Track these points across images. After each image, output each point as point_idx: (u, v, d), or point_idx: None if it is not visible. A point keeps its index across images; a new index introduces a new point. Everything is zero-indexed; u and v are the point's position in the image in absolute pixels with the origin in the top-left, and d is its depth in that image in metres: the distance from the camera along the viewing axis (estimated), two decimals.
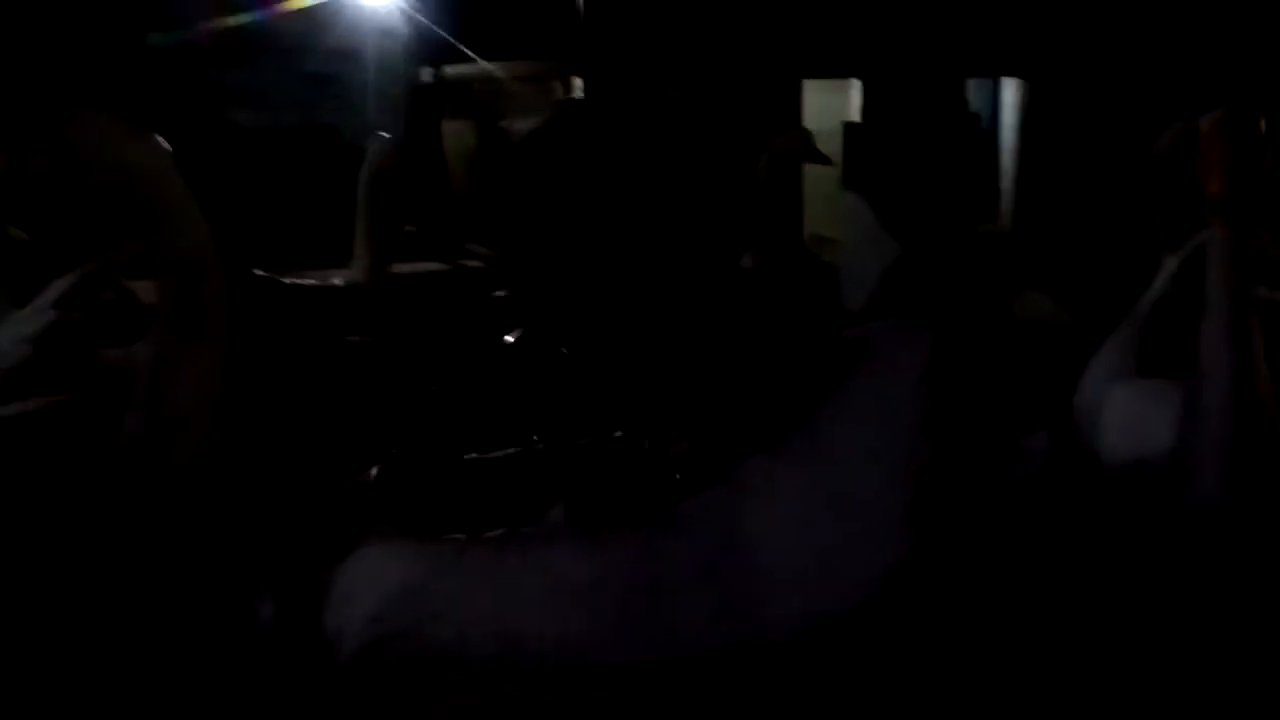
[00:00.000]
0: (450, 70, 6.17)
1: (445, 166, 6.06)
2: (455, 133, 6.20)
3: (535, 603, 0.86)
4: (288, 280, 2.58)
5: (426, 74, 6.16)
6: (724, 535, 0.87)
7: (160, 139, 1.08)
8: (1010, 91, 6.01)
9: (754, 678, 0.84)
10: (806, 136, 2.95)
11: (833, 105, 5.88)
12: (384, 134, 3.00)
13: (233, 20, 5.46)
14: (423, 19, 5.69)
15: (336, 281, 2.72)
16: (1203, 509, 1.03)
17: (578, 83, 5.38)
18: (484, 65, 5.93)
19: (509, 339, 2.00)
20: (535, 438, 1.21)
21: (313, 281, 2.69)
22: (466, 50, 5.71)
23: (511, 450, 1.16)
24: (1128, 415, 1.29)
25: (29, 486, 1.13)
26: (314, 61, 5.77)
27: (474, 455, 1.16)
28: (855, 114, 5.86)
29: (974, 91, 6.16)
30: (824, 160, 3.10)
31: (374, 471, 1.15)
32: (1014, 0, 5.19)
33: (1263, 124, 1.14)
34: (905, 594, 0.85)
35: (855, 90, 5.87)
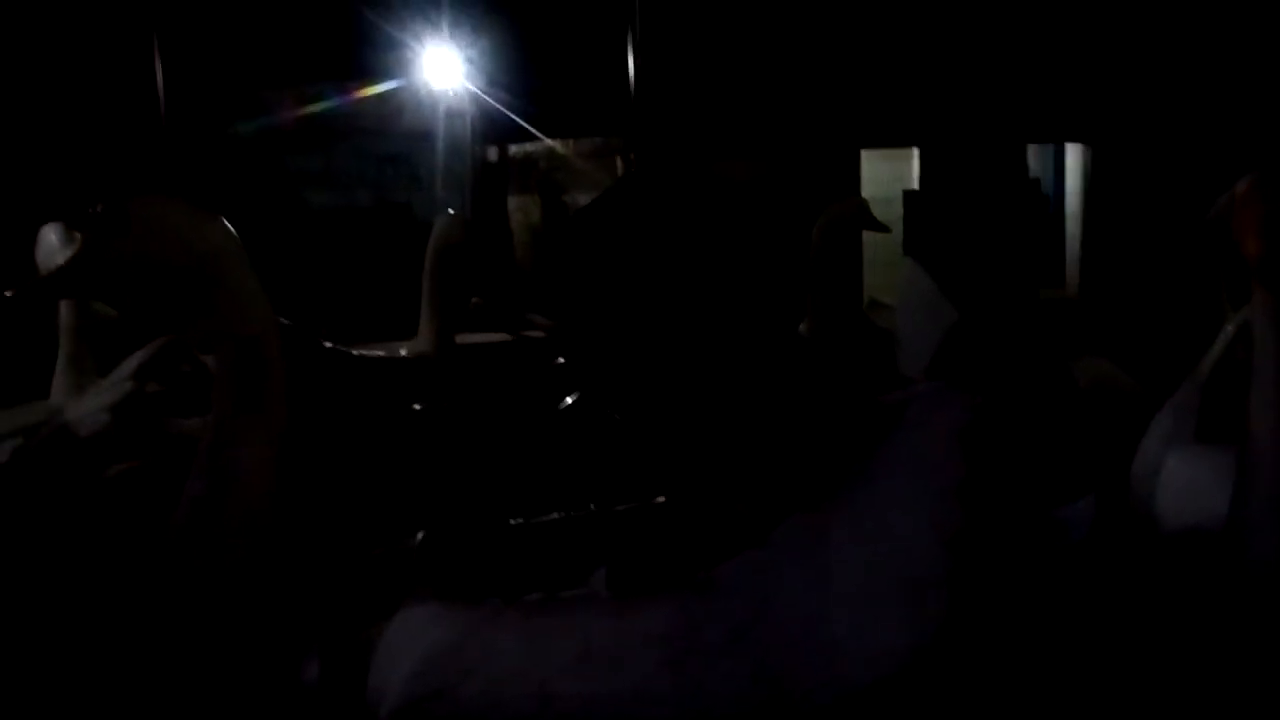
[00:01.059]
0: (515, 148, 6.37)
1: (510, 240, 6.22)
2: (519, 208, 6.38)
3: (568, 664, 0.86)
4: (355, 352, 2.65)
5: (492, 152, 6.37)
6: (757, 600, 0.86)
7: (225, 221, 1.14)
8: (1074, 156, 5.96)
9: None
10: (861, 204, 2.95)
11: (892, 173, 5.90)
12: (450, 210, 3.10)
13: (311, 107, 5.75)
14: (489, 100, 5.91)
15: (403, 352, 2.79)
16: (1258, 577, 0.99)
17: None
18: (547, 142, 6.11)
19: (564, 404, 2.04)
20: (579, 503, 1.22)
21: (380, 353, 2.76)
22: (530, 128, 5.90)
23: (555, 515, 1.17)
24: (1184, 481, 1.26)
25: (104, 549, 1.17)
26: (386, 143, 6.03)
27: (518, 520, 1.18)
28: (915, 181, 5.87)
29: (1037, 156, 6.13)
30: (879, 227, 3.10)
31: (420, 536, 1.17)
32: (1076, 64, 5.19)
33: None
34: (943, 662, 0.83)
35: (915, 157, 5.89)
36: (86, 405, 1.74)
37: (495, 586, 0.98)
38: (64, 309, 2.07)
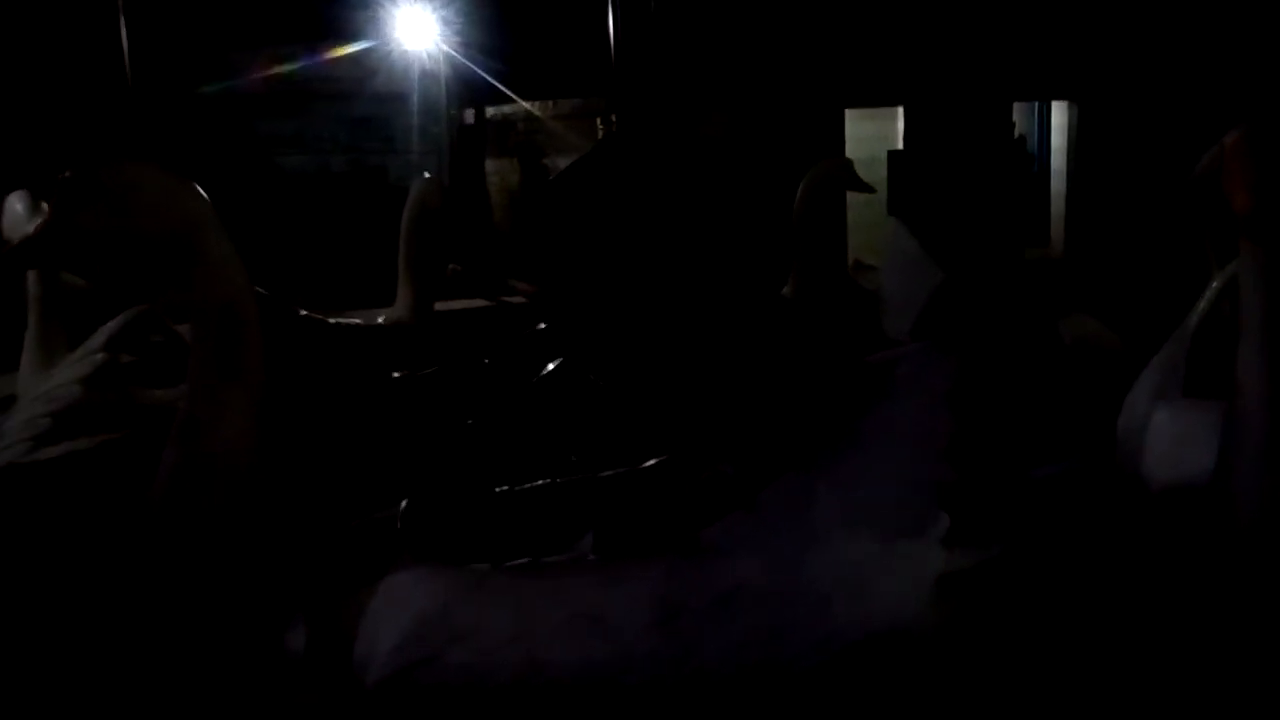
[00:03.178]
0: (492, 111, 6.26)
1: (488, 204, 6.14)
2: (497, 171, 6.28)
3: (556, 629, 0.84)
4: (332, 319, 2.61)
5: (469, 115, 6.26)
6: (745, 562, 0.85)
7: (198, 187, 1.10)
8: (1060, 114, 5.92)
9: (781, 703, 0.81)
10: (845, 164, 2.91)
11: (877, 132, 5.85)
12: (426, 173, 3.03)
13: (282, 68, 5.62)
14: (465, 61, 5.80)
15: (380, 320, 2.74)
16: (1246, 529, 0.98)
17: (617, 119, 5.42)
18: (525, 105, 6.01)
19: (546, 370, 2.00)
20: (564, 469, 1.20)
21: (357, 321, 2.71)
22: (507, 90, 5.79)
23: (540, 482, 1.15)
24: (1170, 436, 1.25)
25: (77, 522, 1.15)
26: (359, 106, 5.91)
27: (503, 487, 1.15)
28: (899, 141, 5.82)
29: (1022, 115, 6.08)
30: (864, 187, 3.05)
31: (403, 504, 1.14)
32: (1061, 21, 5.13)
33: None
34: (936, 617, 0.82)
35: (899, 117, 5.83)
36: (57, 378, 1.69)
37: (481, 553, 0.96)
38: (31, 280, 2.02)
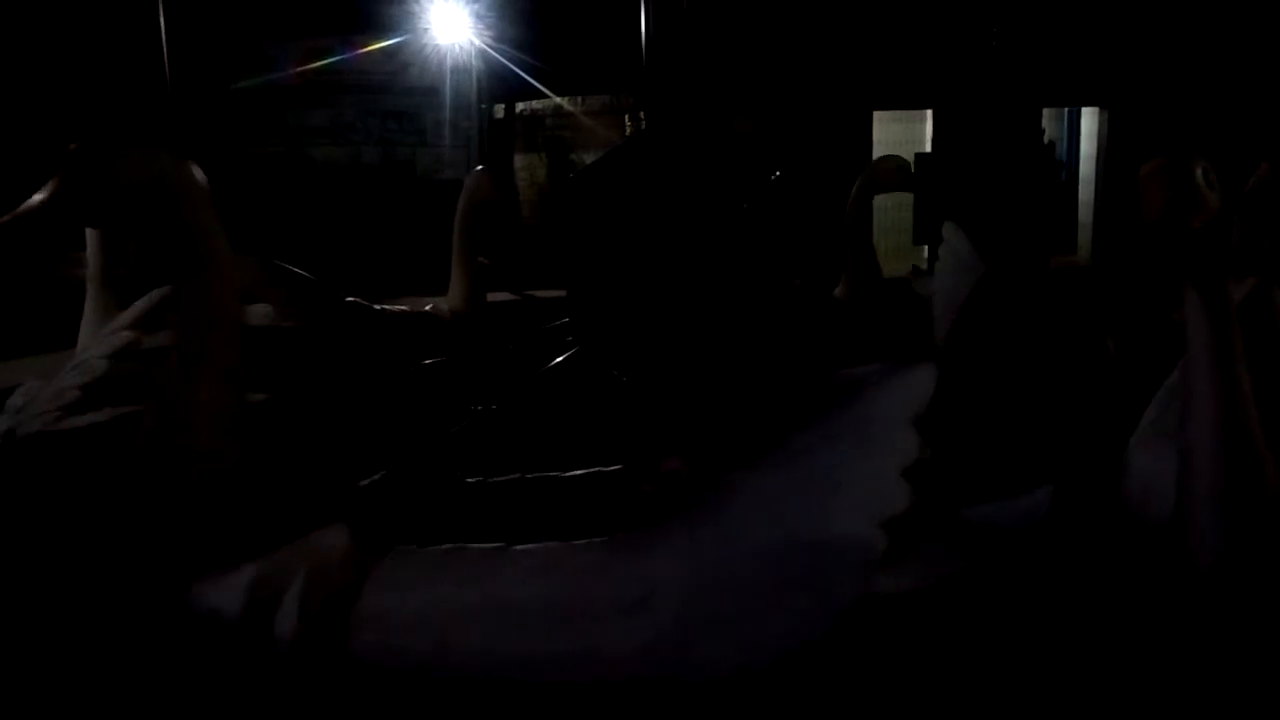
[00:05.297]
0: (522, 105, 6.30)
1: (516, 199, 6.17)
2: (526, 166, 6.32)
3: (469, 615, 0.84)
4: (378, 306, 2.65)
5: (499, 109, 6.31)
6: (666, 564, 0.83)
7: (194, 166, 1.13)
8: (1090, 120, 5.88)
9: (687, 709, 0.80)
10: (901, 165, 2.83)
11: (905, 135, 5.83)
12: (480, 166, 3.05)
13: (316, 62, 5.68)
14: (496, 56, 5.84)
15: (427, 308, 2.77)
16: (1201, 579, 0.95)
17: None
18: (555, 100, 6.04)
19: (558, 361, 2.03)
20: (575, 462, 1.20)
21: (404, 307, 2.75)
22: (538, 85, 5.82)
23: (512, 475, 1.15)
24: (1147, 471, 1.19)
25: (96, 490, 1.18)
26: (392, 99, 5.96)
27: (475, 478, 1.16)
28: (928, 144, 5.80)
29: (1052, 121, 6.05)
30: (919, 188, 3.01)
31: (368, 486, 1.16)
32: (1092, 27, 5.10)
33: (1201, 171, 1.06)
34: (851, 646, 0.79)
35: (928, 120, 5.82)
36: (90, 351, 1.75)
37: (423, 539, 0.96)
38: (90, 257, 2.08)
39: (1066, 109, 6.07)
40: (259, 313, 2.31)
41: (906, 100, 5.62)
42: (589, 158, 5.72)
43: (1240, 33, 4.78)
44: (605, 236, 1.59)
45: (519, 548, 0.88)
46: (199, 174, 1.13)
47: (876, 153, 5.74)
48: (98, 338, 1.83)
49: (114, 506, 1.05)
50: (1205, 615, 0.97)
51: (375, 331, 2.49)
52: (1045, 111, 5.81)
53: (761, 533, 0.81)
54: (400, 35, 5.78)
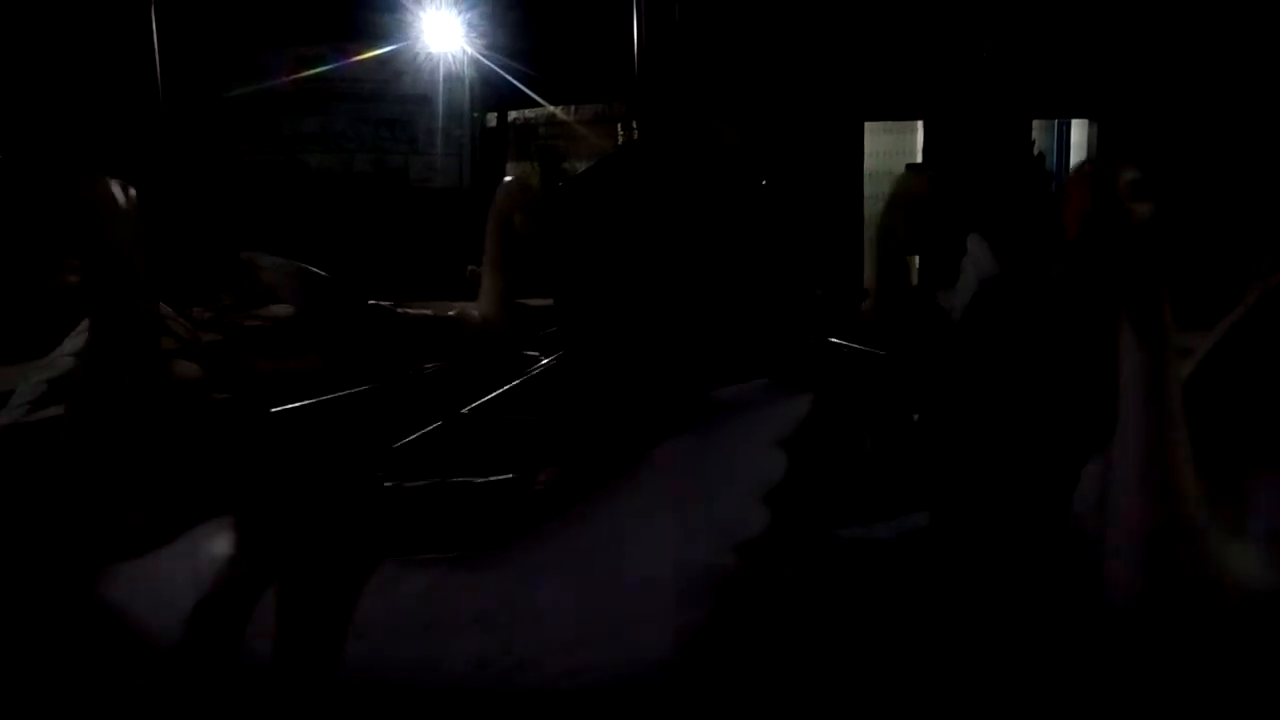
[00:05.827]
0: (514, 114, 6.31)
1: None
2: (518, 175, 6.33)
3: (316, 622, 0.84)
4: (400, 309, 2.68)
5: (491, 118, 6.32)
6: (513, 579, 0.82)
7: (121, 185, 1.18)
8: (1079, 132, 5.92)
9: None
10: (933, 177, 2.78)
11: (895, 146, 5.86)
12: (509, 177, 3.07)
13: (309, 70, 5.69)
14: (489, 64, 5.85)
15: (451, 313, 2.80)
16: (1119, 615, 0.92)
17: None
18: (548, 108, 6.06)
19: (542, 364, 2.05)
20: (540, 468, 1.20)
21: (428, 311, 2.77)
22: (531, 94, 5.84)
23: (427, 481, 1.16)
24: (1092, 496, 1.12)
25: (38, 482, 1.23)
26: (384, 108, 5.97)
27: (390, 482, 1.17)
28: (918, 155, 5.83)
29: (1042, 132, 6.08)
30: (954, 204, 2.95)
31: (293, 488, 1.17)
32: (1081, 40, 5.14)
33: (1131, 181, 1.01)
34: (692, 663, 0.77)
35: (918, 131, 5.85)
36: (61, 349, 1.79)
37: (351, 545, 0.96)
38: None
39: (1056, 121, 6.11)
40: (279, 313, 2.35)
41: (897, 111, 5.65)
42: (581, 166, 5.73)
43: (1230, 45, 4.82)
44: (594, 245, 1.59)
45: (395, 559, 0.88)
46: (114, 190, 1.19)
47: (867, 164, 5.77)
48: (70, 337, 1.87)
49: (43, 498, 1.11)
50: (1117, 644, 0.94)
51: (398, 334, 2.51)
52: (1035, 123, 5.85)
53: (608, 554, 0.80)
54: (393, 44, 5.79)
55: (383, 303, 2.56)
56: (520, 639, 0.80)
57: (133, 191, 1.19)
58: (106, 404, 1.11)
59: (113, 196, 1.19)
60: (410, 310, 2.62)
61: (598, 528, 0.82)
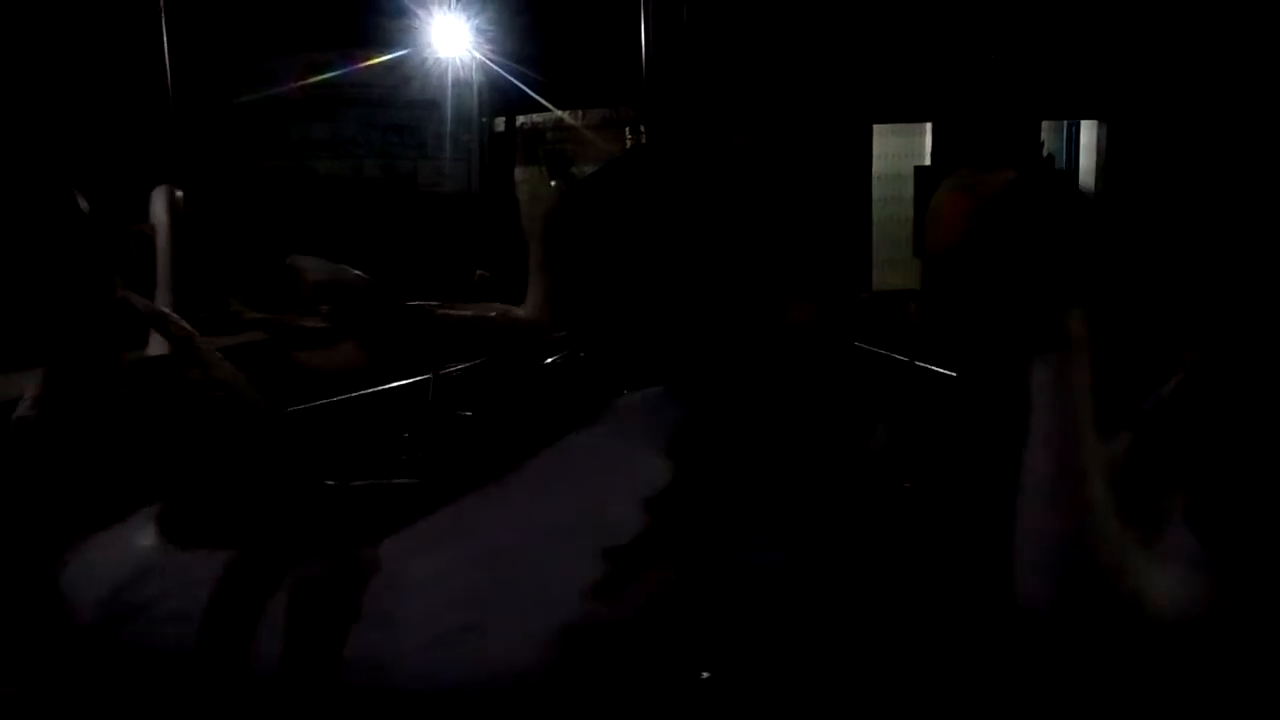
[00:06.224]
0: (522, 119, 6.32)
1: (517, 212, 6.19)
2: (526, 179, 6.34)
3: (267, 621, 0.85)
4: (440, 310, 2.71)
5: (499, 123, 6.33)
6: (382, 580, 0.81)
7: (72, 197, 1.22)
8: (1089, 133, 5.90)
9: None
10: (1013, 180, 2.78)
11: (904, 148, 5.85)
12: (554, 182, 3.10)
13: (317, 76, 5.71)
14: (497, 69, 5.86)
15: (492, 314, 2.82)
16: (1032, 614, 0.89)
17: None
18: (555, 113, 6.06)
19: (547, 361, 2.06)
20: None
21: (468, 313, 2.80)
22: (539, 99, 5.85)
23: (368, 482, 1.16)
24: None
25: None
26: (393, 112, 5.99)
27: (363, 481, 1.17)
28: (927, 157, 5.82)
29: (1051, 134, 6.07)
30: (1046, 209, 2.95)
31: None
32: (1092, 41, 5.12)
33: (991, 185, 0.98)
34: (561, 670, 0.75)
35: (927, 133, 5.84)
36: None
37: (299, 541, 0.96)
38: (162, 265, 2.16)
39: (1065, 122, 6.09)
40: (321, 314, 2.39)
41: (906, 113, 5.64)
42: (589, 170, 5.73)
43: (1238, 46, 4.80)
44: (602, 247, 1.59)
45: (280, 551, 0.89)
46: (62, 202, 1.24)
47: (876, 165, 5.76)
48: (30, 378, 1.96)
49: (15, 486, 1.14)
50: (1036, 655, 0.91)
51: (441, 334, 2.54)
52: (1044, 124, 5.83)
53: (472, 555, 0.78)
54: (401, 49, 5.81)
55: (425, 303, 2.59)
56: (379, 638, 0.79)
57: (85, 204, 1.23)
58: (70, 401, 1.14)
59: (51, 214, 1.23)
60: (452, 311, 2.65)
61: (464, 528, 0.81)
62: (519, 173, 6.35)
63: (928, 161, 5.75)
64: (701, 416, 0.79)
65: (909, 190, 5.53)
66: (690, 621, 0.79)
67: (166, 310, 1.67)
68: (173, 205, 2.08)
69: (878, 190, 5.72)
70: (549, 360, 2.41)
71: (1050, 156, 5.92)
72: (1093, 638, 0.88)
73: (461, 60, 5.91)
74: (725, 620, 0.83)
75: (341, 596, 0.79)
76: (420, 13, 5.73)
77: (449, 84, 5.94)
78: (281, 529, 1.01)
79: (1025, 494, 0.90)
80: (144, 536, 0.90)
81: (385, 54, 5.78)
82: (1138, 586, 0.89)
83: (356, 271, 2.46)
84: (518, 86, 5.77)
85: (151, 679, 0.87)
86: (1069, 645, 0.89)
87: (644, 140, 5.12)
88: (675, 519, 0.74)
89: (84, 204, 1.22)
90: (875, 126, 5.69)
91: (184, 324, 1.48)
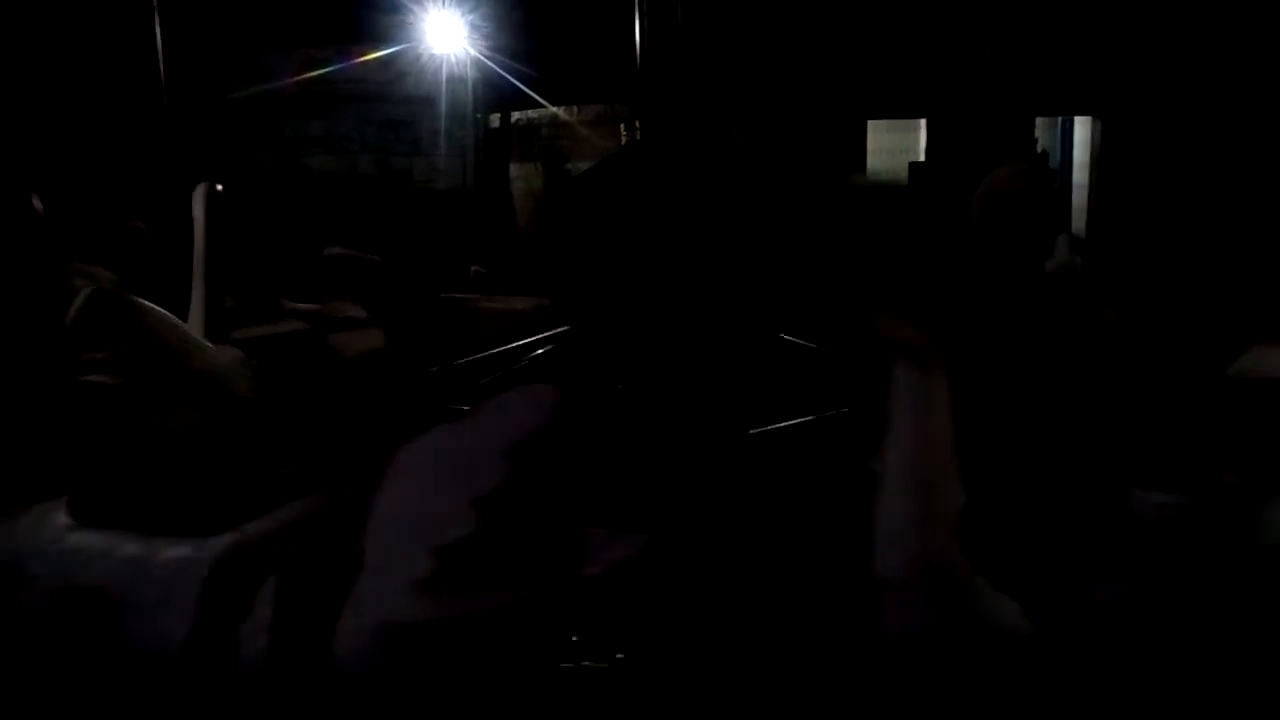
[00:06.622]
0: (517, 115, 6.33)
1: (512, 208, 6.20)
2: (521, 175, 6.35)
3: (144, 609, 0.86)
4: (470, 302, 2.74)
5: (494, 119, 6.33)
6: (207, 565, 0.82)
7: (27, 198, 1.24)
8: (1082, 129, 5.92)
9: None
10: (1024, 171, 2.76)
11: (898, 144, 5.87)
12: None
13: (312, 72, 5.70)
14: (492, 66, 5.86)
15: (519, 306, 2.86)
16: (889, 634, 0.89)
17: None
18: (551, 109, 6.07)
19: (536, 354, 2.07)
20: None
21: (498, 306, 2.84)
22: (534, 95, 5.85)
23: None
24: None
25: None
26: (388, 108, 5.98)
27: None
28: (921, 153, 5.83)
29: (1045, 130, 6.09)
30: (1048, 202, 2.95)
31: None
32: (1085, 37, 5.14)
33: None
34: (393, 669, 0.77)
35: (921, 129, 5.85)
36: None
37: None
38: (197, 256, 2.19)
39: (1059, 118, 6.11)
40: (341, 308, 2.43)
41: (900, 109, 5.65)
42: (584, 167, 5.74)
43: (1232, 41, 4.82)
44: (597, 243, 1.61)
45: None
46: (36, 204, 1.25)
47: (871, 161, 5.78)
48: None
49: None
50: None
51: (475, 324, 2.58)
52: (1038, 120, 5.85)
53: (312, 547, 0.79)
54: (396, 45, 5.80)
55: (456, 295, 2.63)
56: (249, 629, 0.80)
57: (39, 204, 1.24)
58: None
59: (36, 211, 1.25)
60: (484, 303, 2.68)
61: (302, 519, 0.82)
62: (514, 168, 6.36)
63: (922, 157, 5.77)
64: (550, 417, 0.79)
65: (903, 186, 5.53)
66: (545, 618, 0.79)
67: (152, 305, 1.69)
68: (213, 201, 2.11)
69: None
70: (538, 352, 2.43)
71: (1044, 153, 5.95)
72: (949, 661, 0.88)
73: (457, 56, 5.91)
74: (638, 605, 0.84)
75: (166, 581, 0.80)
76: (415, 9, 5.73)
77: (444, 80, 5.94)
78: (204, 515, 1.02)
79: (880, 511, 0.90)
80: (56, 519, 0.91)
81: (380, 50, 5.77)
82: (987, 615, 0.89)
83: (387, 263, 2.52)
84: (513, 83, 5.78)
85: (105, 671, 0.88)
86: (924, 665, 0.89)
87: (639, 136, 5.13)
88: (513, 517, 0.74)
89: (38, 204, 1.23)
90: (870, 123, 5.71)
91: (171, 318, 1.48)
